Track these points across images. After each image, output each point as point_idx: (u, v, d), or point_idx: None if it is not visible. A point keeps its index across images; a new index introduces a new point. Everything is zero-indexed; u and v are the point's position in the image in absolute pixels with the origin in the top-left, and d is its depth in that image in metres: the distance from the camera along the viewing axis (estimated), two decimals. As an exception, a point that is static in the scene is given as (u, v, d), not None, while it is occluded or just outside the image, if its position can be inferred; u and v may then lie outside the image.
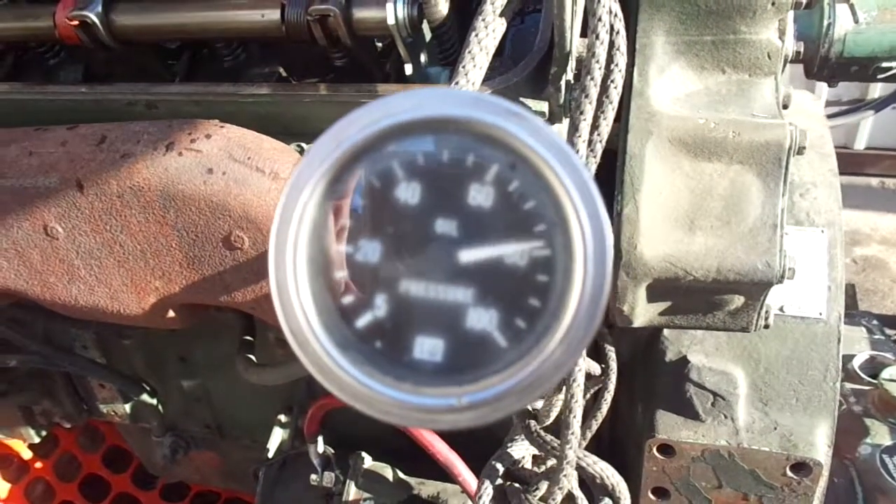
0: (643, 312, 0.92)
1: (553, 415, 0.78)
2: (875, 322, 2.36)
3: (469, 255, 0.30)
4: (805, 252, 1.15)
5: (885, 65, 1.01)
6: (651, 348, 1.19)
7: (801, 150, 0.83)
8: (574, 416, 0.73)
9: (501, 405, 0.27)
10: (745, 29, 0.88)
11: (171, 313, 0.85)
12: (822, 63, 1.04)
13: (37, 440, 2.04)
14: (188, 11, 0.79)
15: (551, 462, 0.81)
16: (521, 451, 0.83)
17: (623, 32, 0.68)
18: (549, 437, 0.79)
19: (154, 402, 1.78)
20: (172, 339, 1.63)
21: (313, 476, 1.45)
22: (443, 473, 1.41)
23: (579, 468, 0.80)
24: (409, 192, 0.30)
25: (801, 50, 1.04)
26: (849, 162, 4.48)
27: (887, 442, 1.95)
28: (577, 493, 0.80)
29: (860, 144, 4.49)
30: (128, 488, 2.35)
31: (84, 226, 0.77)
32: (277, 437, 1.61)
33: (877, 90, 3.73)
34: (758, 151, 0.83)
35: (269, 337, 1.36)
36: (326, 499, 1.48)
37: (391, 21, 0.70)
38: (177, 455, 2.01)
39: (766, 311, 0.94)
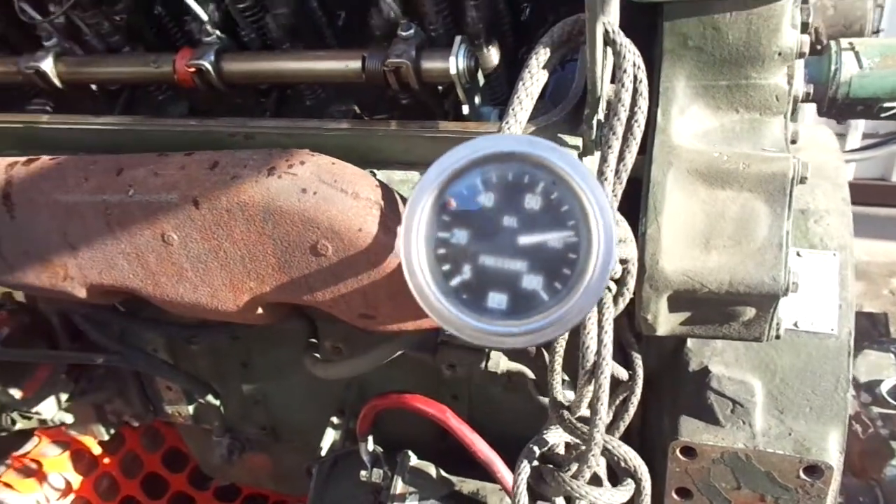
0: (665, 322, 1.04)
1: (584, 405, 0.91)
2: (903, 349, 2.42)
3: (525, 240, 0.45)
4: (818, 273, 1.25)
5: (887, 105, 1.13)
6: (675, 359, 1.30)
7: (803, 180, 0.95)
8: (601, 404, 0.85)
9: (544, 333, 0.42)
10: (755, 75, 1.01)
11: (259, 310, 1.00)
12: (830, 103, 1.17)
13: (106, 437, 2.23)
14: (285, 61, 0.95)
15: (582, 447, 0.94)
16: (556, 437, 0.96)
17: (645, 80, 0.82)
18: (579, 424, 0.92)
19: (217, 403, 1.94)
20: (236, 345, 1.79)
21: (363, 472, 1.58)
22: (481, 475, 1.55)
23: (605, 451, 0.92)
24: (486, 199, 0.46)
25: (811, 91, 1.16)
26: (886, 194, 4.50)
27: (912, 464, 2.01)
28: (603, 473, 0.92)
29: (896, 177, 4.52)
30: (184, 487, 2.52)
31: (195, 234, 0.93)
32: (330, 437, 1.75)
33: (911, 124, 3.76)
34: (765, 181, 0.96)
35: (326, 346, 1.51)
36: (375, 494, 1.61)
37: (453, 71, 0.85)
38: (233, 455, 2.17)
39: (778, 323, 1.06)
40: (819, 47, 1.32)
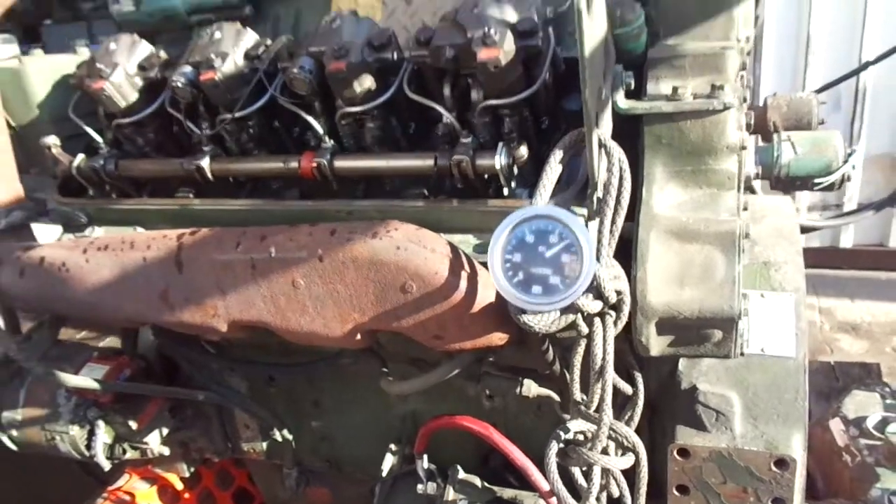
0: (655, 343, 1.40)
1: (595, 400, 1.27)
2: (888, 389, 2.72)
3: (550, 259, 0.85)
4: (779, 310, 1.60)
5: (817, 181, 1.52)
6: (671, 381, 1.64)
7: (747, 236, 1.32)
8: (607, 395, 1.22)
9: (559, 304, 0.81)
10: (711, 162, 1.39)
11: (358, 336, 1.38)
12: (776, 180, 1.56)
13: (187, 474, 2.57)
14: (378, 160, 1.38)
15: (595, 430, 1.29)
16: (576, 426, 1.31)
17: (628, 171, 1.21)
18: (593, 414, 1.27)
19: (290, 438, 2.27)
20: (309, 386, 2.15)
21: (419, 486, 1.91)
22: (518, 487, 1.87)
23: (612, 431, 1.27)
24: (529, 237, 0.86)
25: (760, 171, 1.56)
26: (885, 258, 4.82)
27: (895, 486, 2.31)
28: (611, 451, 1.27)
29: (895, 243, 4.84)
30: (251, 523, 2.84)
31: (317, 280, 1.33)
32: (389, 461, 2.08)
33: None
34: (720, 237, 1.32)
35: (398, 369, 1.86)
36: (430, 504, 1.94)
37: (497, 166, 1.27)
38: (300, 487, 2.49)
39: (741, 344, 1.41)
40: (776, 135, 1.73)
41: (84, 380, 1.81)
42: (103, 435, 2.05)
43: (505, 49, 1.24)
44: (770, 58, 4.16)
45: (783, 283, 1.64)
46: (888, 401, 2.66)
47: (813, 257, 4.93)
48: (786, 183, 1.56)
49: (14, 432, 2.05)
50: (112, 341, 2.22)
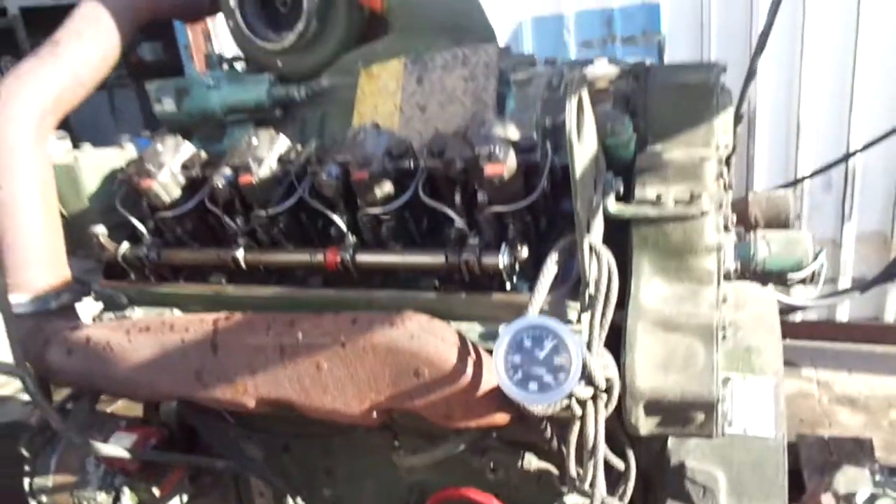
0: (644, 424, 1.53)
1: (589, 475, 1.40)
2: (877, 466, 2.82)
3: (543, 360, 1.01)
4: (760, 393, 1.74)
5: (790, 276, 1.69)
6: (661, 458, 1.77)
7: (725, 328, 1.47)
8: (600, 471, 1.35)
9: (552, 398, 0.96)
10: (692, 261, 1.55)
11: (374, 415, 1.53)
12: (752, 275, 1.73)
13: (202, 542, 2.66)
14: (395, 255, 1.56)
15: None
16: (572, 500, 1.44)
17: (615, 271, 1.38)
18: (587, 488, 1.40)
19: (302, 505, 2.38)
20: (323, 455, 2.27)
21: (426, 553, 2.01)
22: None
23: (604, 506, 1.40)
24: (527, 342, 1.02)
25: (739, 267, 1.73)
26: (881, 333, 4.93)
27: (880, 555, 2.39)
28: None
29: (890, 317, 4.95)
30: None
31: (339, 363, 1.49)
32: (398, 527, 2.19)
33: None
34: (699, 329, 1.48)
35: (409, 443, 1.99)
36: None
37: (501, 266, 1.45)
38: (309, 552, 2.56)
39: (722, 425, 1.54)
40: (753, 233, 1.90)
41: (116, 448, 1.94)
42: (128, 501, 2.17)
43: (508, 165, 1.43)
44: (764, 142, 4.39)
45: (763, 367, 1.78)
46: (877, 477, 2.76)
47: (810, 330, 5.07)
48: (762, 277, 1.73)
49: (44, 498, 2.17)
50: (123, 404, 2.35)
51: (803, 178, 4.03)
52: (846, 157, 3.87)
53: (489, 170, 1.42)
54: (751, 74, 2.62)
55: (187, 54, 4.58)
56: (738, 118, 2.63)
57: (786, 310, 3.24)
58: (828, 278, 4.84)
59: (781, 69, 4.29)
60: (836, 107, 4.35)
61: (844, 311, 4.97)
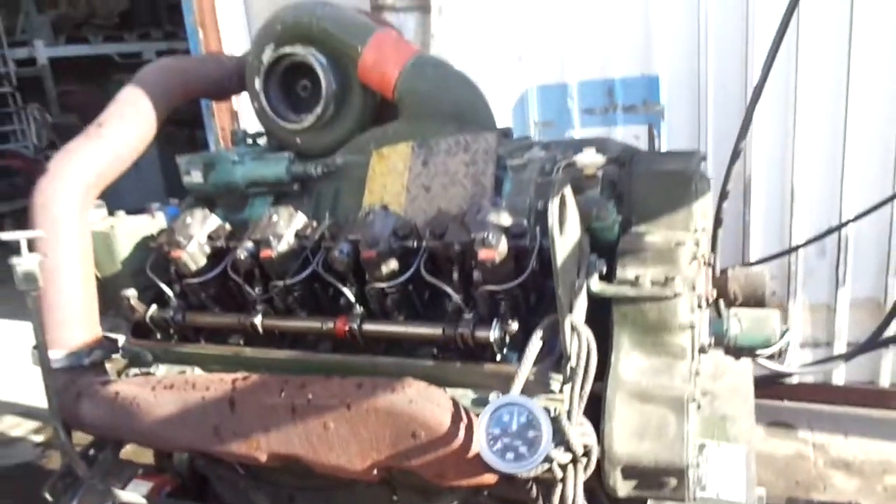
0: (622, 487, 1.67)
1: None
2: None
3: (520, 432, 1.17)
4: (732, 459, 1.87)
5: (758, 352, 1.84)
6: (641, 521, 1.90)
7: (695, 400, 1.62)
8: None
9: (528, 467, 1.12)
10: (667, 337, 1.70)
11: (375, 471, 1.67)
12: (726, 349, 1.88)
13: (208, 587, 2.76)
14: (397, 326, 1.74)
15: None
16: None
17: (594, 346, 1.54)
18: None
19: (303, 554, 2.50)
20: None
21: None
22: None
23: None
24: (507, 417, 1.19)
25: (712, 342, 1.88)
26: (876, 397, 5.00)
27: None
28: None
29: (885, 381, 5.03)
30: None
31: (344, 423, 1.64)
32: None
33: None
34: (673, 401, 1.62)
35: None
36: None
37: (492, 339, 1.62)
38: None
39: (694, 489, 1.68)
40: (727, 311, 2.06)
41: (134, 496, 2.08)
42: (142, 545, 2.30)
43: (499, 250, 1.61)
44: (759, 211, 4.56)
45: (737, 435, 1.92)
46: (861, 543, 2.85)
47: (807, 393, 5.15)
48: (736, 351, 1.88)
49: (63, 541, 2.30)
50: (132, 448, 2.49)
51: (798, 247, 4.18)
52: (839, 226, 4.03)
53: (483, 254, 1.60)
54: (735, 155, 2.82)
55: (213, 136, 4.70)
56: (724, 195, 2.82)
57: (773, 377, 3.37)
58: (823, 342, 4.95)
59: (776, 141, 4.50)
60: (828, 176, 4.53)
61: (840, 375, 5.06)
